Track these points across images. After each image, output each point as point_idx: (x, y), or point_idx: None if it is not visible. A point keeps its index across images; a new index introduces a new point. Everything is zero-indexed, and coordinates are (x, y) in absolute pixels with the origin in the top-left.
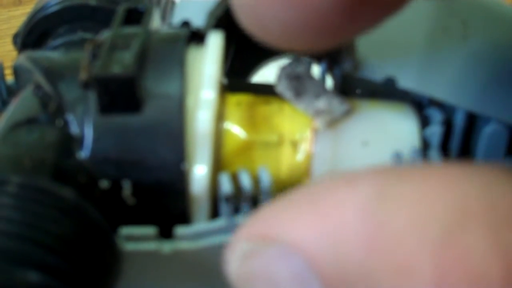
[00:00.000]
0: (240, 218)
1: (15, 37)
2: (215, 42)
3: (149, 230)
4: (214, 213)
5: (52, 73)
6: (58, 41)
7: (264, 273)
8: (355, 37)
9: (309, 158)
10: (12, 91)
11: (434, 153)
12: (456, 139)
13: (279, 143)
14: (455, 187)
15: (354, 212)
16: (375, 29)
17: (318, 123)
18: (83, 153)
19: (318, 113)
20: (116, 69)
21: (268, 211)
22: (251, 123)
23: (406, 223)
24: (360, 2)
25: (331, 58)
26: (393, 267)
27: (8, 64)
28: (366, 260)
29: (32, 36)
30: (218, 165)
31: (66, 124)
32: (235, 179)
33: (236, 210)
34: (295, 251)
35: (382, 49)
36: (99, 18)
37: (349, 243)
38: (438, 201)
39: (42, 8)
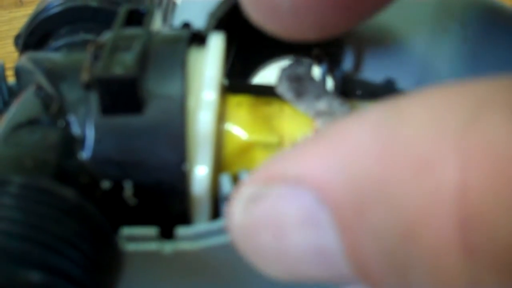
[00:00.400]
0: None
1: (17, 38)
2: (216, 43)
3: (150, 231)
4: (215, 214)
5: (54, 74)
6: (60, 42)
7: (269, 217)
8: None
9: None
10: (13, 92)
11: None
12: None
13: (279, 144)
14: (467, 90)
15: (365, 132)
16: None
17: (319, 124)
18: (85, 154)
19: (318, 114)
20: (117, 70)
21: (274, 157)
22: (251, 124)
23: (422, 122)
24: None
25: (332, 60)
26: (413, 167)
27: (9, 65)
28: (384, 171)
29: (34, 37)
30: (219, 166)
31: (67, 125)
32: (236, 180)
33: None
34: (303, 185)
35: (383, 50)
36: (100, 19)
37: (363, 161)
38: (454, 98)
39: (44, 9)
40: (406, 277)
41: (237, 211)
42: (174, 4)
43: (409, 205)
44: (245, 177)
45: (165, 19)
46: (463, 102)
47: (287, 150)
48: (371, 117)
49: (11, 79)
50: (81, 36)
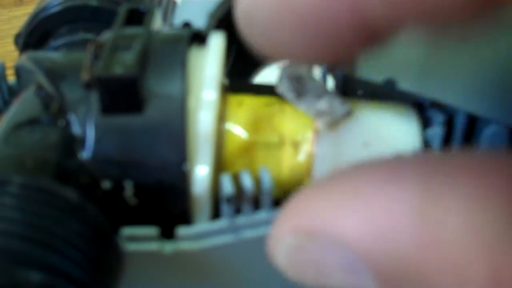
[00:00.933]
0: (241, 219)
1: (17, 37)
2: (216, 43)
3: (151, 231)
4: (216, 214)
5: (54, 74)
6: (60, 41)
7: (314, 264)
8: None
9: (310, 159)
10: (13, 92)
11: None
12: (457, 140)
13: (280, 143)
14: (505, 184)
15: (404, 210)
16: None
17: (319, 124)
18: (85, 154)
19: (319, 114)
20: (118, 70)
21: (308, 200)
22: (252, 124)
23: (459, 224)
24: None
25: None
26: (446, 266)
27: (9, 65)
28: (418, 258)
29: (34, 36)
30: (219, 165)
31: (68, 124)
32: (236, 179)
33: (237, 210)
34: (343, 244)
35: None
36: (100, 19)
37: (400, 241)
38: (492, 200)
39: (44, 8)
40: None
41: (282, 256)
42: (174, 3)
43: None
44: (247, 180)
45: (165, 18)
46: (500, 204)
47: (318, 190)
48: (409, 192)
49: (11, 78)
50: (81, 35)
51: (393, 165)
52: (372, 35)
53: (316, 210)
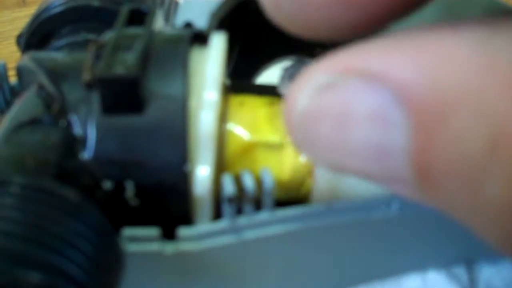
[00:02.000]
0: (242, 220)
1: (19, 38)
2: (218, 43)
3: (152, 231)
4: (217, 214)
5: (56, 74)
6: (62, 42)
7: (338, 109)
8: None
9: None
10: (15, 92)
11: None
12: None
13: (282, 144)
14: None
15: (463, 44)
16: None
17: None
18: (86, 154)
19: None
20: (119, 70)
21: (353, 47)
22: (254, 124)
23: None
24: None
25: None
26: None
27: (11, 65)
28: (483, 83)
29: (36, 37)
30: (221, 166)
31: (69, 124)
32: (238, 180)
33: (239, 211)
34: (384, 81)
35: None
36: (102, 19)
37: (459, 70)
38: None
39: (46, 9)
40: (478, 185)
41: (303, 96)
42: (177, 3)
43: (504, 118)
44: (248, 181)
45: (167, 18)
46: None
47: (366, 44)
48: (468, 32)
49: (13, 79)
50: (83, 36)
51: (446, 24)
52: (407, 1)
53: (361, 52)
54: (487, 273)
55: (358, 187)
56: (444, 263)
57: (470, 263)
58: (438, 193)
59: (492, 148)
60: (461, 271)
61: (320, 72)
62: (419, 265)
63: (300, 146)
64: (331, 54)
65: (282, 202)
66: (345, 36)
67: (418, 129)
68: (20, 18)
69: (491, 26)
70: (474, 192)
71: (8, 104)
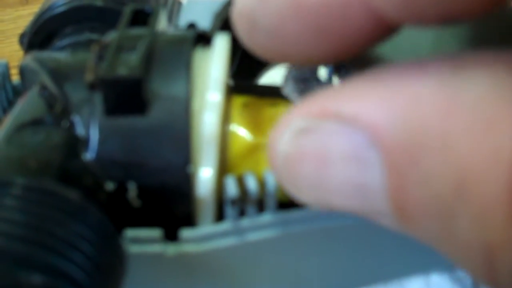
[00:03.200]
0: (245, 221)
1: (22, 37)
2: (221, 44)
3: (154, 233)
4: (220, 216)
5: (58, 74)
6: (65, 41)
7: (317, 151)
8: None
9: None
10: (18, 92)
11: None
12: None
13: None
14: None
15: (428, 85)
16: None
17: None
18: (89, 155)
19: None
20: (122, 71)
21: (327, 90)
22: (257, 126)
23: (486, 86)
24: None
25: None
26: (476, 126)
27: (14, 64)
28: (446, 125)
29: (39, 36)
30: (223, 167)
31: (71, 125)
32: (241, 182)
33: (242, 213)
34: (357, 124)
35: (390, 53)
36: (105, 19)
37: (424, 111)
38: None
39: (49, 8)
40: (449, 221)
41: (283, 140)
42: (180, 4)
43: (467, 159)
44: (251, 183)
45: (170, 19)
46: None
47: (339, 86)
48: (433, 72)
49: (15, 78)
50: (86, 36)
51: (413, 64)
52: (383, 29)
53: (333, 96)
54: None
55: None
56: (447, 266)
57: None
58: (415, 227)
59: (459, 189)
60: (464, 274)
61: (297, 117)
62: (422, 268)
63: (285, 185)
64: (308, 97)
65: (285, 204)
66: (320, 62)
67: (391, 169)
68: (23, 17)
69: (457, 64)
70: (446, 228)
71: (10, 103)
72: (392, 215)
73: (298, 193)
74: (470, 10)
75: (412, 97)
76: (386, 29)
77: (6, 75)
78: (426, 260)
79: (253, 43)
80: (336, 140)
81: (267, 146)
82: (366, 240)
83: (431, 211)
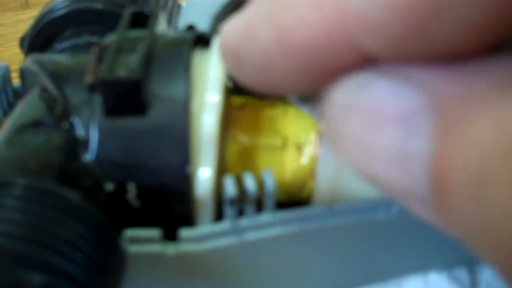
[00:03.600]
0: (244, 221)
1: (22, 40)
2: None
3: (154, 233)
4: (219, 216)
5: (58, 76)
6: (65, 44)
7: (372, 107)
8: None
9: (314, 161)
10: (18, 94)
11: None
12: None
13: (283, 146)
14: None
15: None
16: None
17: (323, 126)
18: (89, 156)
19: (323, 116)
20: (121, 72)
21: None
22: (255, 126)
23: None
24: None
25: None
26: None
27: (15, 67)
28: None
29: (39, 39)
30: (222, 168)
31: (71, 127)
32: (239, 182)
33: (240, 213)
34: (415, 86)
35: None
36: (105, 22)
37: (483, 87)
38: None
39: (49, 11)
40: (483, 194)
41: (343, 90)
42: (179, 6)
43: None
44: (250, 183)
45: (170, 21)
46: None
47: None
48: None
49: (16, 81)
50: (86, 38)
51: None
52: (369, 62)
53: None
54: (489, 275)
55: (360, 189)
56: (445, 265)
57: (471, 265)
58: (451, 205)
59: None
60: (462, 273)
61: (361, 72)
62: (421, 267)
63: (332, 141)
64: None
65: (283, 204)
66: (309, 91)
67: (442, 137)
68: (23, 21)
69: None
70: (480, 202)
71: (11, 106)
72: (430, 190)
73: (343, 152)
74: (465, 50)
75: (475, 73)
76: (372, 61)
77: (7, 78)
78: (425, 259)
79: (240, 77)
80: (392, 99)
81: (324, 96)
82: (364, 239)
83: (472, 184)
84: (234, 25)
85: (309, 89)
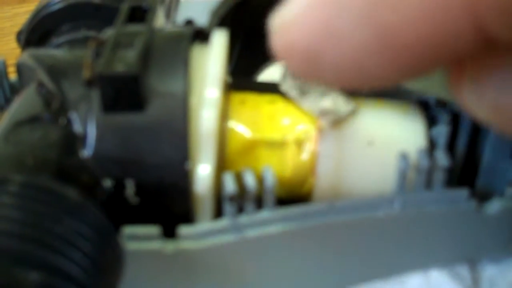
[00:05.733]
0: (243, 218)
1: (19, 34)
2: (219, 40)
3: (152, 230)
4: (218, 213)
5: (55, 71)
6: (62, 39)
7: None
8: None
9: (314, 157)
10: (15, 89)
11: (441, 153)
12: (462, 138)
13: (283, 142)
14: None
15: None
16: None
17: (323, 122)
18: (86, 152)
19: (323, 112)
20: (119, 68)
21: None
22: (255, 122)
23: None
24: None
25: None
26: None
27: (12, 62)
28: None
29: (36, 33)
30: (222, 164)
31: (69, 122)
32: (239, 178)
33: (240, 209)
34: None
35: None
36: (102, 16)
37: None
38: None
39: (46, 5)
40: None
41: None
42: (178, 1)
43: None
44: (249, 179)
45: (168, 16)
46: None
47: None
48: None
49: (14, 76)
50: (83, 33)
51: None
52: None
53: None
54: (490, 272)
55: (361, 186)
56: (447, 262)
57: (473, 262)
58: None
59: None
60: (464, 271)
61: None
62: (422, 264)
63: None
64: None
65: (284, 200)
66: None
67: None
68: (21, 15)
69: None
70: None
71: (8, 101)
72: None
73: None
74: None
75: None
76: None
77: (3, 73)
78: (426, 256)
79: (316, 77)
80: None
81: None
82: (365, 236)
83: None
84: (301, 23)
85: (399, 81)
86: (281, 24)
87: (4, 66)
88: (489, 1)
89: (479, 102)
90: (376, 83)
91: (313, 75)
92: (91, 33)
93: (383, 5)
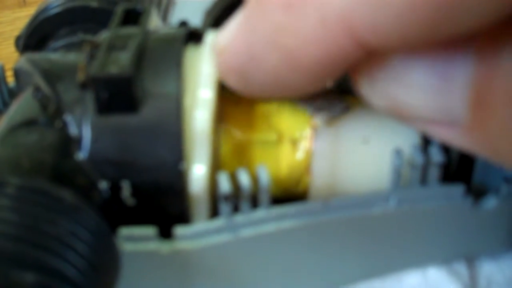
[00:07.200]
0: (239, 217)
1: (17, 39)
2: (213, 41)
3: (149, 230)
4: (214, 213)
5: (51, 75)
6: (59, 43)
7: None
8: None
9: (309, 156)
10: (14, 94)
11: (435, 150)
12: None
13: (278, 141)
14: None
15: None
16: None
17: (318, 120)
18: (82, 154)
19: (317, 110)
20: (113, 69)
21: None
22: (250, 122)
23: None
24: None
25: None
26: None
27: (11, 66)
28: None
29: (34, 38)
30: (216, 164)
31: (64, 125)
32: (234, 178)
33: (235, 209)
34: None
35: None
36: (100, 20)
37: None
38: None
39: (44, 10)
40: None
41: None
42: (174, 3)
43: None
44: (244, 178)
45: (165, 18)
46: None
47: None
48: None
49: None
50: (80, 37)
51: None
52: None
53: None
54: (488, 269)
55: (356, 184)
56: (444, 259)
57: (470, 260)
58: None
59: None
60: (461, 268)
61: None
62: (419, 261)
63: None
64: None
65: (279, 199)
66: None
67: (480, 63)
68: (21, 19)
69: None
70: None
71: (6, 105)
72: (469, 108)
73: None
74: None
75: None
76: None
77: (2, 77)
78: (423, 253)
79: (247, 91)
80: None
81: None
82: (362, 234)
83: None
84: (232, 48)
85: (316, 89)
86: (219, 49)
87: (3, 70)
88: (361, 19)
89: (372, 92)
90: (295, 94)
91: (245, 89)
92: (89, 36)
93: (286, 33)
